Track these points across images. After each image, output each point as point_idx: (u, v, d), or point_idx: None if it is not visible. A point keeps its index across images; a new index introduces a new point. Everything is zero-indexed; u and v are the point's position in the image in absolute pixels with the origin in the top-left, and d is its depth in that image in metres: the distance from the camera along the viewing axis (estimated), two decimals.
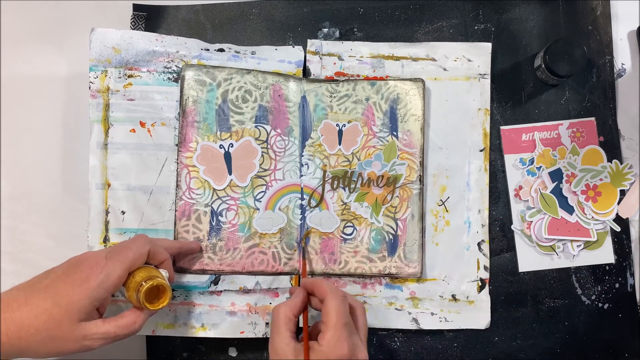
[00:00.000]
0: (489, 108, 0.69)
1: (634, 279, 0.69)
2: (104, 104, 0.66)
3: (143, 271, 0.55)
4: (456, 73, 0.69)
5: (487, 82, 0.69)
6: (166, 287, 0.55)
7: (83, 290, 0.50)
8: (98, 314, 0.54)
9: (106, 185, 0.66)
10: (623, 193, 0.69)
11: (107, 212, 0.66)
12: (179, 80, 0.66)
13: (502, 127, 0.70)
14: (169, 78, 0.67)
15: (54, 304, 0.50)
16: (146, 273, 0.55)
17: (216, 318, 0.66)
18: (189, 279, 0.65)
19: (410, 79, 0.68)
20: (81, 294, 0.50)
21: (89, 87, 0.66)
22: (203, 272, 0.65)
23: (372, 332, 0.69)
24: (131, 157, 0.66)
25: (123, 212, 0.66)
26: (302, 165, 0.67)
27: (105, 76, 0.66)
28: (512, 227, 0.69)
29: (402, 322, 0.67)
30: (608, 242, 0.69)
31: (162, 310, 0.64)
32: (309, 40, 0.70)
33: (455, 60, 0.70)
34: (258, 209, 0.66)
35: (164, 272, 0.57)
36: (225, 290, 0.66)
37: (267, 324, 0.66)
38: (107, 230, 0.66)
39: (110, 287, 0.52)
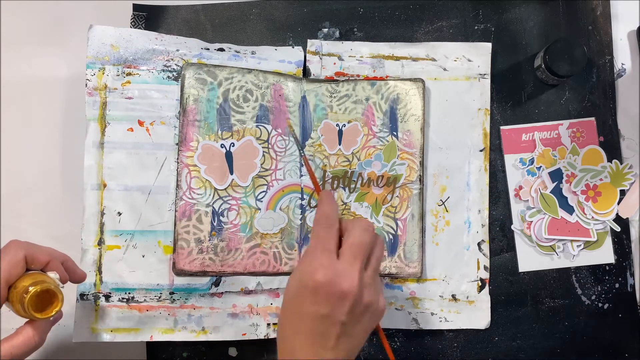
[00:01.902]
0: (489, 108, 0.69)
1: (634, 279, 0.69)
2: (100, 102, 0.66)
3: (25, 279, 0.49)
4: (456, 73, 0.69)
5: (487, 82, 0.69)
6: (55, 290, 0.49)
7: None
8: None
9: (102, 186, 0.65)
10: (623, 193, 0.69)
11: (102, 214, 0.65)
12: (179, 79, 0.66)
13: (502, 127, 0.70)
14: (168, 77, 0.66)
15: None
16: (29, 280, 0.49)
17: (217, 321, 0.65)
18: (188, 281, 0.65)
19: (410, 79, 0.68)
20: None
21: (86, 85, 0.65)
22: (204, 273, 0.65)
23: (372, 332, 0.68)
24: (128, 157, 0.66)
25: (119, 214, 0.65)
26: (302, 165, 0.67)
27: (103, 74, 0.66)
28: (512, 227, 0.69)
29: (402, 322, 0.67)
30: (608, 242, 0.69)
31: (160, 314, 0.64)
32: (309, 40, 0.70)
33: (455, 60, 0.70)
34: (259, 209, 0.66)
35: (52, 275, 0.52)
36: (226, 291, 0.65)
37: (268, 325, 0.66)
38: (102, 232, 0.65)
39: None
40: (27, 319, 0.50)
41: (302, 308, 0.47)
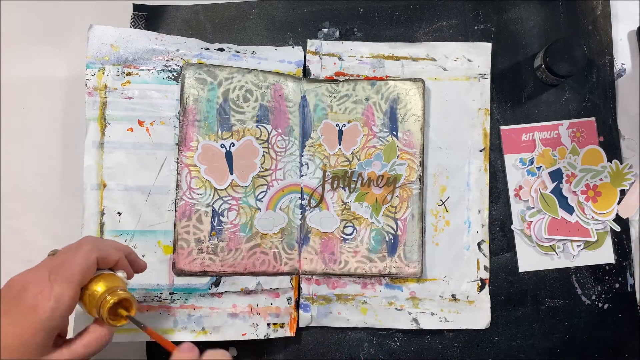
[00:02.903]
0: (489, 108, 0.69)
1: (634, 279, 0.69)
2: (100, 102, 0.66)
3: (98, 282, 0.49)
4: (456, 73, 0.69)
5: (487, 82, 0.69)
6: (130, 298, 0.50)
7: (34, 325, 0.44)
8: (60, 338, 0.49)
9: (101, 186, 0.65)
10: (623, 193, 0.69)
11: (102, 214, 0.65)
12: (179, 79, 0.66)
13: (502, 127, 0.70)
14: (168, 77, 0.66)
15: (5, 348, 0.44)
16: (103, 284, 0.49)
17: (217, 321, 0.65)
18: (188, 281, 0.65)
19: (410, 79, 0.68)
20: (32, 330, 0.44)
21: (86, 85, 0.65)
22: (204, 274, 0.65)
23: (372, 332, 0.69)
24: (128, 157, 0.66)
25: (119, 214, 0.65)
26: (302, 165, 0.67)
27: (103, 74, 0.66)
28: (512, 227, 0.69)
29: (402, 322, 0.67)
30: (608, 242, 0.69)
31: (160, 315, 0.64)
32: (309, 40, 0.70)
33: (455, 60, 0.70)
34: (259, 209, 0.66)
35: (120, 274, 0.52)
36: (226, 291, 0.65)
37: (268, 325, 0.66)
38: (102, 232, 0.65)
39: (64, 312, 0.46)
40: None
41: None
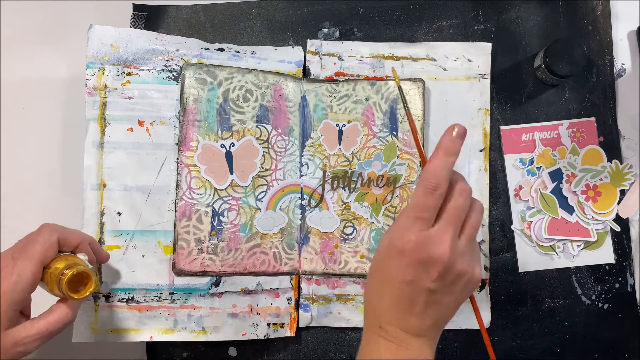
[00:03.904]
0: (489, 108, 0.69)
1: (634, 279, 0.69)
2: (100, 102, 0.65)
3: (59, 261, 0.52)
4: (456, 73, 0.69)
5: (487, 82, 0.69)
6: (89, 272, 0.52)
7: None
8: (24, 316, 0.52)
9: (101, 186, 0.65)
10: (623, 193, 0.69)
11: (102, 214, 0.65)
12: (179, 79, 0.66)
13: (502, 127, 0.70)
14: (168, 77, 0.66)
15: None
16: (63, 262, 0.52)
17: (217, 321, 0.65)
18: (188, 281, 0.65)
19: (410, 79, 0.68)
20: None
21: (86, 85, 0.65)
22: (204, 274, 0.65)
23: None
24: (128, 157, 0.66)
25: (119, 214, 0.65)
26: (302, 165, 0.67)
27: (103, 74, 0.66)
28: (512, 227, 0.69)
29: None
30: (608, 242, 0.69)
31: (160, 315, 0.64)
32: (309, 40, 0.70)
33: (455, 60, 0.70)
34: (259, 209, 0.66)
35: (82, 257, 0.55)
36: (226, 291, 0.65)
37: (268, 325, 0.66)
38: (102, 232, 0.65)
39: (26, 287, 0.49)
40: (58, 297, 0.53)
41: (388, 271, 0.45)
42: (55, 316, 0.51)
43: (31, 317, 0.53)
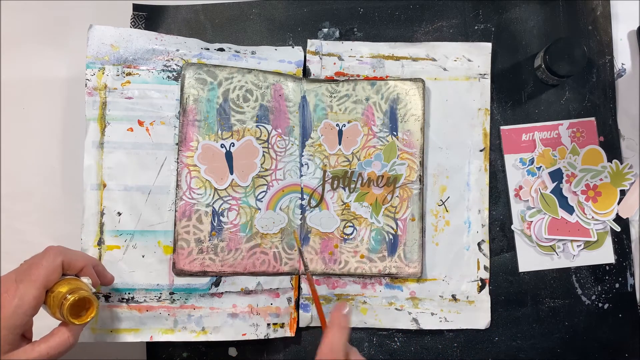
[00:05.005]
0: (489, 108, 0.69)
1: (634, 279, 0.69)
2: (100, 102, 0.65)
3: (62, 284, 0.52)
4: (456, 73, 0.69)
5: (487, 82, 0.69)
6: (91, 298, 0.52)
7: None
8: (26, 339, 0.51)
9: (101, 186, 0.65)
10: (623, 193, 0.69)
11: (102, 214, 0.65)
12: (179, 79, 0.66)
13: (502, 127, 0.70)
14: (168, 77, 0.66)
15: None
16: (66, 286, 0.51)
17: (217, 321, 0.65)
18: (188, 281, 0.65)
19: (410, 79, 0.68)
20: None
21: (86, 85, 0.65)
22: (204, 274, 0.65)
23: (372, 332, 0.68)
24: (128, 157, 0.66)
25: (119, 214, 0.65)
26: (302, 165, 0.67)
27: (103, 73, 0.66)
28: (512, 227, 0.69)
29: (402, 322, 0.67)
30: (608, 242, 0.69)
31: (160, 315, 0.64)
32: (309, 40, 0.70)
33: (455, 60, 0.70)
34: (259, 209, 0.66)
35: (85, 280, 0.54)
36: (226, 291, 0.65)
37: (268, 325, 0.66)
38: (102, 232, 0.65)
39: (28, 310, 0.49)
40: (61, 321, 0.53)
41: None
42: (57, 340, 0.51)
43: (32, 339, 0.52)
